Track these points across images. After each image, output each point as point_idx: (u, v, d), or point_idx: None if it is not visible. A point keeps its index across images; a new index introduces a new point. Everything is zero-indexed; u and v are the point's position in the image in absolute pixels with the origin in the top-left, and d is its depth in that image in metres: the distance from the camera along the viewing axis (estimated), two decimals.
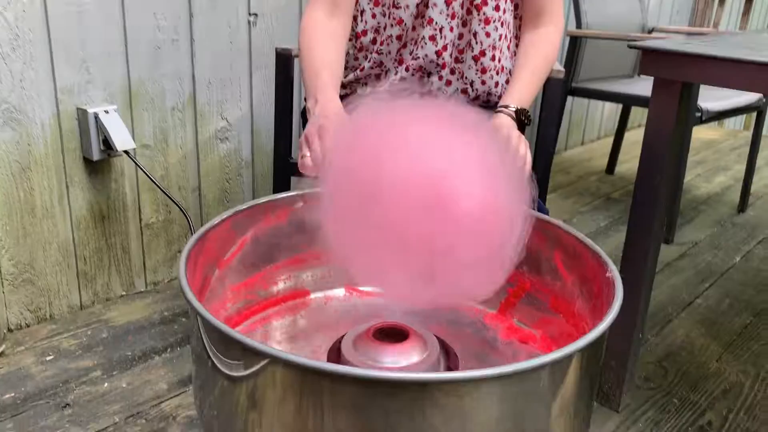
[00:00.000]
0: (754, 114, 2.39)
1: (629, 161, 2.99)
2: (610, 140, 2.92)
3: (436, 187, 0.67)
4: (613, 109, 3.34)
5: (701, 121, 2.03)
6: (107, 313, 1.58)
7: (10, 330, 1.47)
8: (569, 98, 2.62)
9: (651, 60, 1.10)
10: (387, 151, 0.69)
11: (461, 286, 0.72)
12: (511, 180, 0.73)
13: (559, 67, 1.30)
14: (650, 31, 2.63)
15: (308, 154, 0.90)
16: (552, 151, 1.34)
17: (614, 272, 0.75)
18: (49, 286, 1.51)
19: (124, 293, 1.66)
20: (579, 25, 2.28)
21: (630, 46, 1.13)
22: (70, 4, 1.38)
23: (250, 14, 1.71)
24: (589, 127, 3.28)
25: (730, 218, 2.39)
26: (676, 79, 1.09)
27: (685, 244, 2.14)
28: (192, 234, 0.83)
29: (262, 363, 0.60)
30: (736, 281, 1.90)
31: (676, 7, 3.61)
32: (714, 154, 3.21)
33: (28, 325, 1.50)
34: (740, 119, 4.08)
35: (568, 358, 0.60)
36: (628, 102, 2.48)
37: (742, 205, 2.45)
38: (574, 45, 2.27)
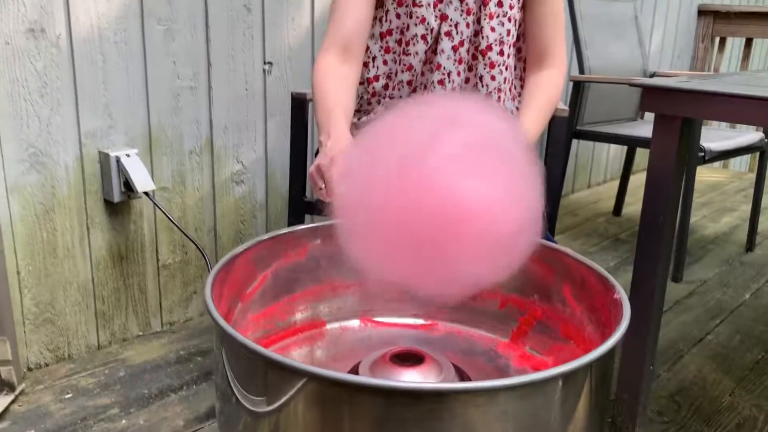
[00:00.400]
0: (758, 155, 2.43)
1: (636, 203, 3.02)
2: (617, 183, 2.96)
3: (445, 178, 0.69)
4: (618, 152, 3.39)
5: (704, 161, 2.07)
6: (124, 352, 1.60)
7: (29, 369, 1.50)
8: (574, 141, 2.68)
9: (652, 97, 1.15)
10: (393, 157, 0.72)
11: (475, 273, 0.73)
12: (520, 170, 0.75)
13: (563, 106, 1.35)
14: (651, 76, 2.70)
15: (323, 185, 0.94)
16: (560, 188, 1.38)
17: (621, 293, 0.78)
18: (68, 325, 1.54)
19: (140, 333, 1.68)
20: (582, 70, 2.35)
21: (632, 85, 1.18)
22: (96, 54, 1.45)
23: (265, 62, 1.78)
24: (595, 170, 3.33)
25: (738, 257, 2.41)
26: (676, 115, 1.14)
27: (694, 283, 2.15)
28: (209, 271, 0.86)
29: (289, 383, 0.63)
30: (746, 318, 1.91)
31: (677, 52, 3.70)
32: (720, 196, 3.24)
33: (47, 364, 1.52)
34: (745, 162, 4.13)
35: (582, 369, 0.62)
36: (631, 144, 2.52)
37: (750, 244, 2.47)
38: (578, 89, 2.34)
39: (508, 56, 1.26)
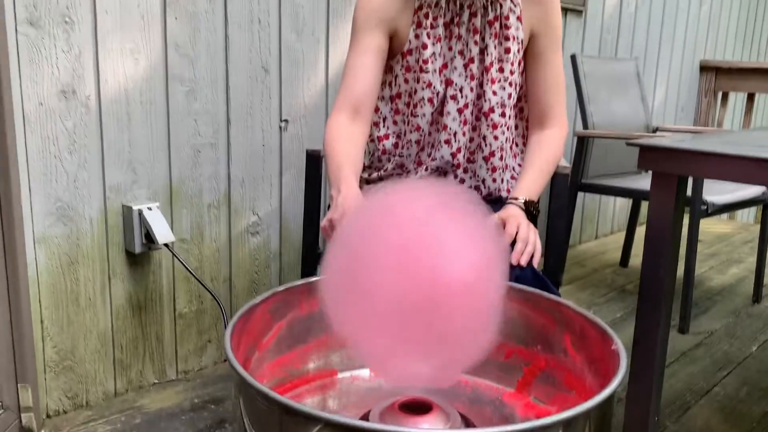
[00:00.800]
0: (762, 207, 2.47)
1: (641, 255, 3.06)
2: (623, 234, 3.01)
3: (431, 257, 0.76)
4: (624, 205, 3.45)
5: (707, 214, 2.12)
6: (140, 400, 1.64)
7: (48, 416, 1.54)
8: (581, 194, 2.74)
9: (648, 156, 1.21)
10: (384, 228, 0.79)
11: (454, 357, 0.80)
12: (494, 254, 0.82)
13: (565, 163, 1.41)
14: (654, 131, 2.77)
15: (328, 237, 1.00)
16: (564, 240, 1.43)
17: (618, 344, 0.82)
18: (87, 373, 1.59)
19: (156, 381, 1.72)
20: (585, 125, 2.43)
21: (628, 144, 1.24)
22: (122, 113, 1.54)
23: (281, 120, 1.87)
24: (602, 221, 3.38)
25: (745, 309, 2.43)
26: (671, 172, 1.19)
27: (701, 334, 2.18)
28: (224, 321, 0.92)
29: (304, 428, 0.68)
30: (753, 370, 1.93)
31: (680, 107, 3.79)
32: (726, 247, 3.27)
33: (65, 411, 1.56)
34: (752, 214, 4.16)
35: (581, 417, 0.67)
36: (635, 197, 2.58)
37: (756, 296, 2.49)
38: (582, 144, 2.41)
39: (510, 117, 1.33)
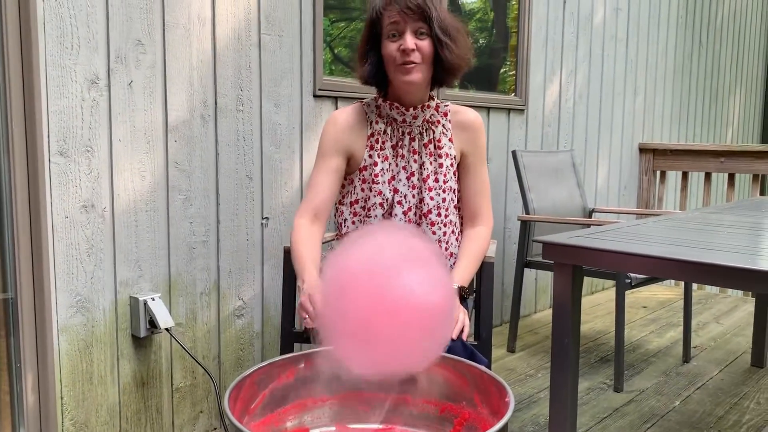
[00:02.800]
0: None
1: (590, 321, 3.40)
2: None
3: (404, 289, 1.08)
4: None
5: (631, 287, 2.47)
6: None
7: None
8: (529, 269, 3.08)
9: (549, 250, 1.56)
10: (361, 269, 1.11)
11: (411, 361, 1.11)
12: (447, 285, 1.15)
13: (491, 254, 1.76)
14: (590, 212, 3.16)
15: (306, 316, 1.32)
16: (491, 318, 1.75)
17: (510, 396, 1.14)
18: None
19: None
20: (527, 211, 2.80)
21: (534, 241, 1.59)
22: (131, 220, 1.87)
23: (263, 218, 2.21)
24: (542, 296, 3.72)
25: (676, 368, 2.75)
26: (566, 262, 1.54)
27: (633, 392, 2.48)
28: (216, 392, 1.21)
29: None
30: (674, 422, 2.23)
31: (623, 185, 4.21)
32: (668, 312, 3.62)
33: None
34: None
35: None
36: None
37: (686, 356, 2.82)
38: (525, 226, 2.77)
39: (446, 216, 1.68)
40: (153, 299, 1.90)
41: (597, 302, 3.80)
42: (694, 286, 4.34)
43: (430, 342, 1.14)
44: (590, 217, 3.14)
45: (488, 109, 3.08)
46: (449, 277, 1.16)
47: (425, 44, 1.57)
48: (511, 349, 2.92)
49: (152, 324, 1.89)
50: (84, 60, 1.73)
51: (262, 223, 2.21)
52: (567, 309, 1.57)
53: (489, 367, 1.75)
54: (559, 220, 2.59)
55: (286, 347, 1.85)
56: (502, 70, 3.38)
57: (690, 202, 4.74)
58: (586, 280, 3.96)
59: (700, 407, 2.35)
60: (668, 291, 4.10)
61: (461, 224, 1.76)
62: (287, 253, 1.86)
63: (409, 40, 1.55)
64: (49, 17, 1.66)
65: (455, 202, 1.72)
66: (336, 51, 2.68)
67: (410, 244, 1.16)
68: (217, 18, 2.02)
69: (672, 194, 4.70)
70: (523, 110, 3.28)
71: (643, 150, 4.32)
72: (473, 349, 1.52)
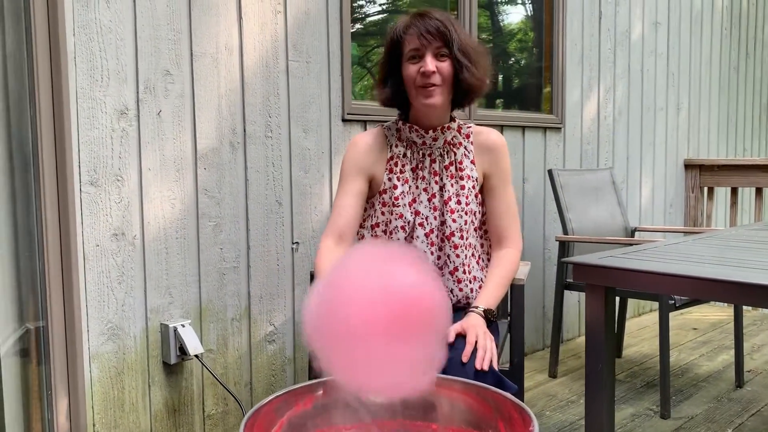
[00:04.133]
0: None
1: (637, 344, 3.27)
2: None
3: (405, 295, 1.03)
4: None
5: (675, 308, 2.37)
6: None
7: None
8: (573, 292, 3.00)
9: (579, 271, 1.50)
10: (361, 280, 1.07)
11: (409, 381, 1.06)
12: (443, 301, 1.09)
13: (521, 276, 1.71)
14: (633, 231, 3.06)
15: None
16: (522, 341, 1.70)
17: (534, 424, 1.09)
18: None
19: None
20: (565, 231, 2.73)
21: (562, 262, 1.53)
22: (161, 248, 1.89)
23: (293, 242, 2.21)
24: None
25: (728, 394, 2.61)
26: (598, 283, 1.48)
27: (681, 419, 2.37)
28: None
29: None
30: None
31: (669, 203, 4.08)
32: (720, 334, 3.46)
33: None
34: None
35: None
36: (621, 294, 2.83)
37: (739, 381, 2.68)
38: (563, 247, 2.70)
39: (468, 239, 1.64)
40: (183, 326, 1.91)
41: (644, 324, 3.67)
42: (747, 306, 4.15)
43: (426, 345, 1.09)
44: (632, 236, 3.04)
45: (523, 128, 3.03)
46: (437, 282, 1.12)
47: (445, 66, 1.57)
48: (553, 374, 2.83)
49: (182, 351, 1.90)
50: (113, 91, 1.77)
51: (292, 248, 2.21)
52: (600, 333, 1.51)
53: (521, 393, 1.70)
54: (597, 240, 2.52)
55: (314, 373, 1.82)
56: (546, 89, 3.33)
57: (741, 218, 4.56)
58: (632, 302, 3.83)
59: None
60: (719, 312, 3.93)
61: (481, 246, 1.71)
62: (314, 276, 1.84)
63: (430, 63, 1.55)
64: (80, 51, 1.70)
65: (475, 224, 1.68)
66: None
67: (394, 254, 1.13)
68: (244, 47, 2.04)
69: (722, 211, 4.53)
70: (560, 128, 3.22)
71: (688, 166, 4.19)
72: (501, 375, 1.47)
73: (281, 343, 2.20)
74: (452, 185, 1.63)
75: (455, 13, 2.79)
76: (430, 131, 1.63)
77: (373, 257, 1.11)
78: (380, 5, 2.73)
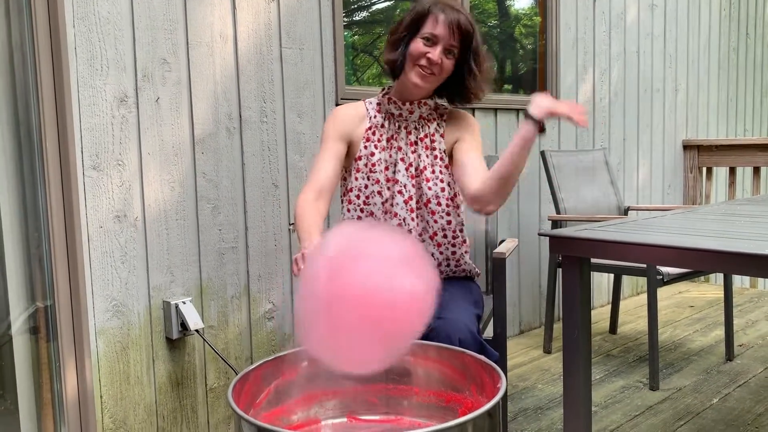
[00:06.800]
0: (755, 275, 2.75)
1: (633, 321, 3.34)
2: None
3: (389, 279, 1.10)
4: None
5: (663, 283, 2.43)
6: None
7: None
8: None
9: (555, 243, 1.57)
10: (348, 261, 1.13)
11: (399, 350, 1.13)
12: (431, 284, 1.15)
13: (504, 250, 1.78)
14: (626, 211, 3.12)
15: (301, 265, 1.37)
16: (504, 311, 1.77)
17: (502, 381, 1.17)
18: None
19: None
20: (558, 211, 2.79)
21: (539, 235, 1.61)
22: (162, 229, 1.98)
23: (290, 224, 2.29)
24: (597, 294, 3.67)
25: (717, 366, 2.68)
26: (573, 255, 1.55)
27: (669, 390, 2.44)
28: None
29: None
30: (709, 419, 2.18)
31: (667, 183, 4.12)
32: (716, 311, 3.51)
33: None
34: (746, 278, 4.38)
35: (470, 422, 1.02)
36: (609, 271, 2.89)
37: (729, 355, 2.74)
38: (556, 226, 2.76)
39: (444, 207, 1.72)
40: (184, 303, 2.00)
41: (641, 303, 3.73)
42: (747, 283, 4.20)
43: (401, 332, 1.15)
44: (626, 215, 3.10)
45: (517, 111, 3.09)
46: (430, 269, 1.18)
47: (449, 63, 1.69)
48: (548, 350, 2.91)
49: (184, 326, 1.99)
50: (113, 80, 1.86)
51: (289, 229, 2.29)
52: (575, 302, 1.58)
53: (503, 361, 1.78)
54: (587, 219, 2.58)
55: None
56: (539, 72, 3.38)
57: (740, 197, 4.59)
58: (631, 281, 3.89)
59: (739, 405, 2.29)
60: (717, 290, 3.98)
61: (458, 216, 1.78)
62: None
63: (437, 54, 1.66)
64: (80, 42, 1.79)
65: (449, 195, 1.76)
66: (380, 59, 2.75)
67: (394, 242, 1.19)
68: (238, 35, 2.12)
69: (722, 190, 4.56)
70: None
71: (687, 147, 4.23)
72: (483, 342, 1.55)
73: (280, 320, 2.29)
74: (427, 156, 1.73)
75: None
76: (407, 104, 1.74)
77: (377, 249, 1.15)
78: None
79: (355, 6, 2.68)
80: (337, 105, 2.39)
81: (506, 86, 3.34)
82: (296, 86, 2.28)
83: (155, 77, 1.94)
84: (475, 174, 1.69)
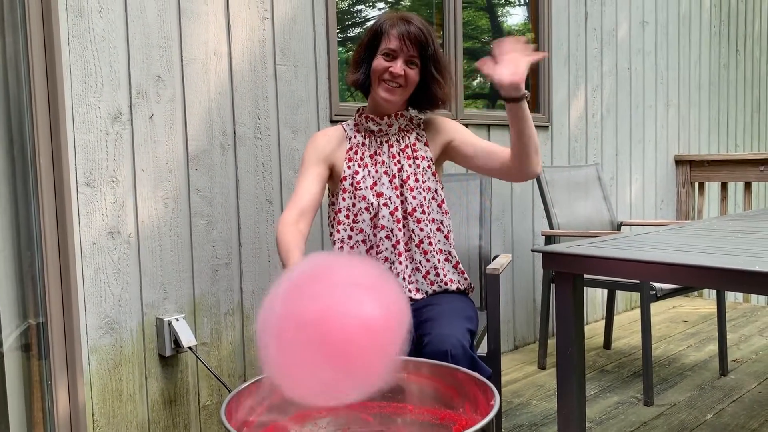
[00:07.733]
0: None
1: (627, 336, 3.34)
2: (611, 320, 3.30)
3: (353, 306, 1.07)
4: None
5: (657, 298, 2.44)
6: None
7: None
8: None
9: (548, 259, 1.58)
10: (313, 289, 1.11)
11: (364, 383, 1.09)
12: (399, 312, 1.13)
13: (497, 266, 1.79)
14: (619, 226, 3.13)
15: None
16: (497, 328, 1.77)
17: (496, 398, 1.17)
18: None
19: None
20: (551, 226, 2.80)
21: (533, 251, 1.61)
22: (155, 245, 1.98)
23: None
24: (591, 309, 3.68)
25: (712, 382, 2.68)
26: (566, 271, 1.56)
27: (664, 406, 2.44)
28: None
29: None
30: None
31: (660, 198, 4.14)
32: (709, 326, 3.52)
33: None
34: (740, 294, 4.39)
35: None
36: (608, 287, 2.89)
37: (723, 370, 2.74)
38: (549, 242, 2.77)
39: (430, 214, 1.76)
40: (177, 320, 1.99)
41: (635, 318, 3.73)
42: (740, 298, 4.21)
43: (376, 362, 1.10)
44: (619, 230, 3.11)
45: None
46: (399, 297, 1.16)
47: (413, 73, 1.74)
48: (542, 366, 2.91)
49: (177, 344, 1.98)
50: (107, 97, 1.86)
51: None
52: (570, 318, 1.58)
53: (496, 378, 1.78)
54: (580, 234, 2.59)
55: None
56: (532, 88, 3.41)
57: (731, 212, 4.62)
58: (625, 296, 3.90)
59: (733, 420, 2.29)
60: (710, 305, 3.99)
61: (444, 222, 1.81)
62: None
63: (399, 67, 1.71)
64: (75, 59, 1.80)
65: (438, 201, 1.79)
66: None
67: (360, 269, 1.18)
68: (233, 52, 2.13)
69: (714, 205, 4.59)
70: (547, 126, 3.29)
71: (679, 162, 4.25)
72: (476, 357, 1.55)
73: None
74: (410, 165, 1.77)
75: (439, 16, 2.87)
76: (386, 118, 1.78)
77: (345, 275, 1.13)
78: (378, 9, 2.82)
79: (350, 23, 2.70)
80: (331, 121, 2.40)
81: (500, 102, 3.36)
82: (290, 103, 2.29)
83: (149, 94, 1.95)
84: (492, 148, 1.76)
